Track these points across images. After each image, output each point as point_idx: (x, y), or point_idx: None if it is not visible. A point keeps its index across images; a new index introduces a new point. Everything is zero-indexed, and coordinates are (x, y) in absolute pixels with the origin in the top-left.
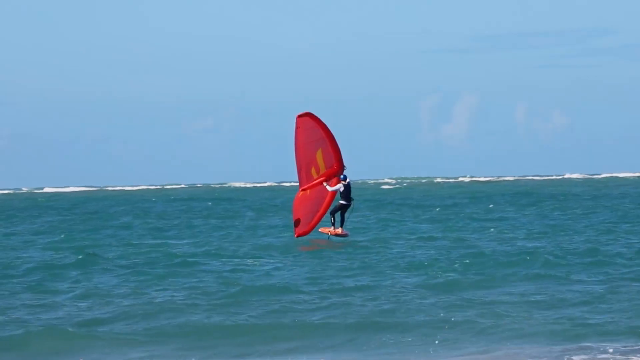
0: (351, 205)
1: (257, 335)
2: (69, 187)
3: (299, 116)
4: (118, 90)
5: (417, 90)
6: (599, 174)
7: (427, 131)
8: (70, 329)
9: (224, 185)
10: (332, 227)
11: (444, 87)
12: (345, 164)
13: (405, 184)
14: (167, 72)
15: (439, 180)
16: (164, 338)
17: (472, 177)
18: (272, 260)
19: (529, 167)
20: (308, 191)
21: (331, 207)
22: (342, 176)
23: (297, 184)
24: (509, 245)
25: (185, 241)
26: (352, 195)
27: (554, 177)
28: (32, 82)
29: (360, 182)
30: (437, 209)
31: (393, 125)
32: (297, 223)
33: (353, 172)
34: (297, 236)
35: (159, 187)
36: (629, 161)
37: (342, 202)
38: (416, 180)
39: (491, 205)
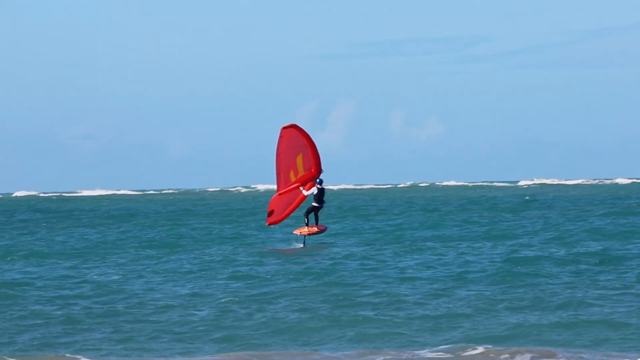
0: (323, 208)
1: None
2: None
3: (284, 128)
4: None
5: (294, 97)
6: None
7: None
8: None
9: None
10: (307, 228)
11: (322, 94)
12: (322, 169)
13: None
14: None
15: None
16: None
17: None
18: None
19: (405, 174)
20: (283, 195)
21: (305, 210)
22: (318, 180)
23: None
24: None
25: None
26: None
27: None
28: None
29: (233, 189)
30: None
31: (270, 131)
32: (270, 214)
33: (227, 180)
34: (269, 224)
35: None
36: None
37: (314, 204)
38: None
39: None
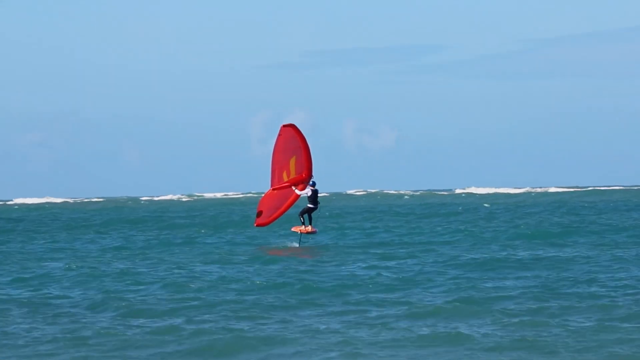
0: (317, 209)
1: None
2: None
3: (284, 126)
4: None
5: (247, 106)
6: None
7: (258, 147)
8: None
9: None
10: (303, 226)
11: (275, 102)
12: (312, 174)
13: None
14: None
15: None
16: None
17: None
18: None
19: (358, 182)
20: (276, 191)
21: (301, 210)
22: (311, 182)
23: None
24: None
25: None
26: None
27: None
28: None
29: (177, 197)
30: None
31: (224, 142)
32: (259, 214)
33: (179, 188)
34: (257, 225)
35: None
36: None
37: (309, 205)
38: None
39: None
